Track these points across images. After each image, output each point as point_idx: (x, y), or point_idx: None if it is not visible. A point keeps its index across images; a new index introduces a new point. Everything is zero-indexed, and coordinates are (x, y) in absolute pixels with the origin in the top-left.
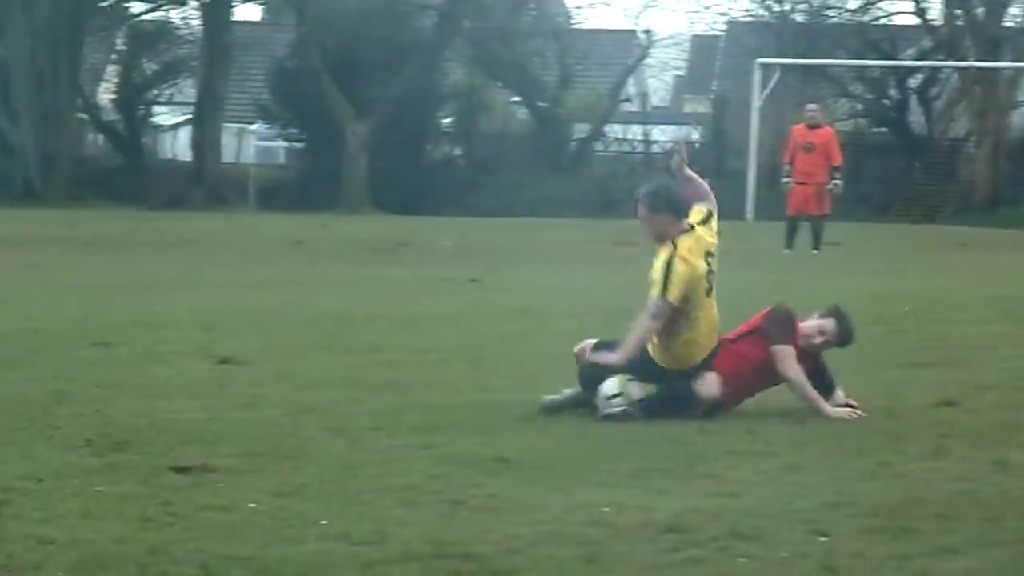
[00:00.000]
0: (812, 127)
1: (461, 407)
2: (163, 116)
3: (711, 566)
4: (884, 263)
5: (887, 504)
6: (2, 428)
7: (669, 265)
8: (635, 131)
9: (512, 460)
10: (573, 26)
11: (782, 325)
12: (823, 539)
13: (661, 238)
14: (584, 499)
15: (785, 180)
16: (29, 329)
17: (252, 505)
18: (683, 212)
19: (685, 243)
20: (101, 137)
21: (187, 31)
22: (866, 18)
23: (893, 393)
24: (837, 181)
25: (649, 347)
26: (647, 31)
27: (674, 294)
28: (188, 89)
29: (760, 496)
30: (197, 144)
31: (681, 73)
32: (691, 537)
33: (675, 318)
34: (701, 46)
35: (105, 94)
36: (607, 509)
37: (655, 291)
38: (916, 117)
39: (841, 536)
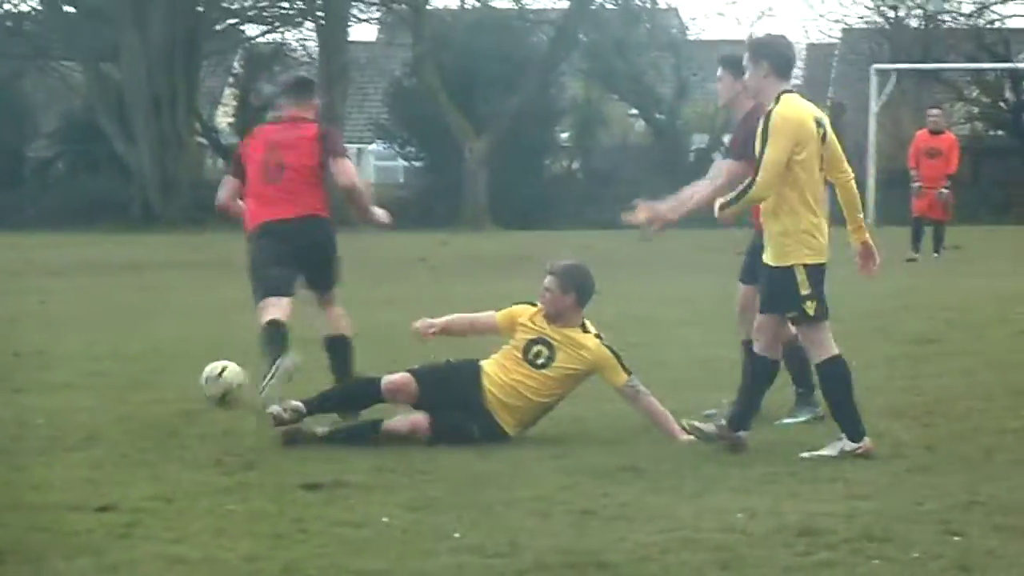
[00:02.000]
0: (935, 132)
1: (589, 417)
2: None
3: (844, 569)
4: (1006, 265)
5: (1019, 503)
6: (131, 449)
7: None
8: None
9: (642, 468)
10: (689, 38)
11: None
12: (956, 539)
13: (556, 318)
14: (715, 505)
15: (915, 185)
16: (156, 351)
17: (385, 520)
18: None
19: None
20: (220, 160)
21: (303, 52)
22: (981, 22)
23: (1021, 392)
24: (944, 190)
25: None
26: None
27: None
28: None
29: (890, 498)
30: None
31: (797, 81)
32: (823, 540)
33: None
34: (817, 54)
35: (223, 117)
36: (740, 515)
37: (622, 375)
38: None
39: (974, 535)
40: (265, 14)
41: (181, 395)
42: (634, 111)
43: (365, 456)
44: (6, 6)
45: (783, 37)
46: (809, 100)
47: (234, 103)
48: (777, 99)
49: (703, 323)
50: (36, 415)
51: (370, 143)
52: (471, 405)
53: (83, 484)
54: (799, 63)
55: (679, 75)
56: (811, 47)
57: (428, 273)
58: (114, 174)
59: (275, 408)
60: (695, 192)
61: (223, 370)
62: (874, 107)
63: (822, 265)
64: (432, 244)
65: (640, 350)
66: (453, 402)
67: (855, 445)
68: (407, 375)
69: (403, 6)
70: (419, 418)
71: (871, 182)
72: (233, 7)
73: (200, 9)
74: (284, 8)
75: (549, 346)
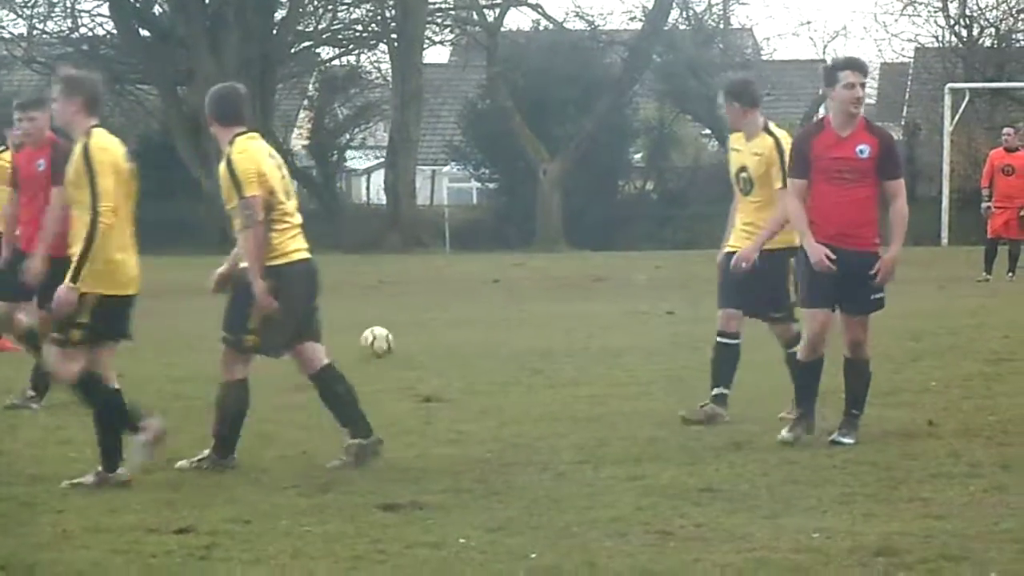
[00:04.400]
0: (1010, 150)
1: (664, 438)
2: (356, 160)
3: None
4: None
5: None
6: (208, 472)
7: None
8: None
9: (718, 489)
10: (762, 58)
11: None
12: None
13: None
14: (792, 525)
15: (985, 205)
16: None
17: (462, 541)
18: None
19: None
20: (296, 183)
21: (377, 75)
22: None
23: None
24: None
25: None
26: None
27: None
28: (380, 133)
29: (967, 517)
30: (391, 187)
31: (871, 101)
32: (901, 560)
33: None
34: (890, 73)
35: (298, 140)
36: (816, 535)
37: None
38: None
39: None
40: (340, 36)
41: (258, 417)
42: (707, 131)
43: (442, 477)
44: (82, 30)
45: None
46: (882, 120)
47: (308, 126)
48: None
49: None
50: None
51: (444, 165)
52: None
53: (162, 506)
54: (872, 82)
55: None
56: (884, 66)
57: (502, 294)
58: (190, 198)
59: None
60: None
61: (374, 339)
62: (948, 127)
63: None
64: (506, 265)
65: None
66: None
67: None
68: None
69: (477, 28)
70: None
71: (945, 202)
72: (308, 30)
73: (275, 32)
74: (358, 30)
75: None
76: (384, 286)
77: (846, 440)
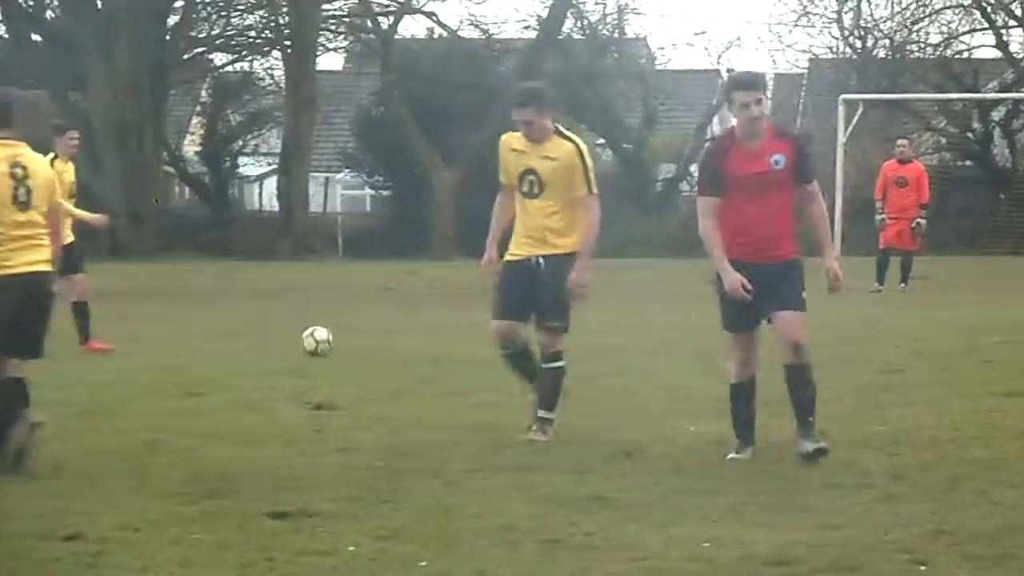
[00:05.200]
0: (903, 162)
1: (556, 447)
2: (249, 167)
3: None
4: (972, 295)
5: (986, 532)
6: (97, 479)
7: None
8: None
9: (608, 498)
10: (656, 67)
11: None
12: (923, 568)
13: None
14: (683, 535)
15: (879, 217)
16: (121, 380)
17: (352, 548)
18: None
19: None
20: (187, 190)
21: (271, 81)
22: (948, 52)
23: (987, 422)
24: (921, 220)
25: None
26: (730, 70)
27: None
28: (273, 139)
29: (859, 527)
30: (284, 194)
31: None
32: (792, 570)
33: None
34: (784, 84)
35: (191, 146)
36: (707, 544)
37: None
38: (1000, 150)
39: (941, 565)
40: (233, 43)
41: (147, 424)
42: (601, 141)
43: (332, 484)
44: None
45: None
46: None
47: (201, 132)
48: None
49: (670, 352)
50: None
51: (337, 172)
52: None
53: (50, 513)
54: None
55: (647, 105)
56: (779, 77)
57: (395, 302)
58: (82, 203)
59: None
60: None
61: (313, 331)
62: (842, 138)
63: None
64: (399, 273)
65: (609, 379)
66: None
67: None
68: None
69: (371, 35)
70: None
71: (838, 213)
72: (201, 36)
73: (168, 38)
74: (252, 37)
75: None
76: (277, 293)
77: (820, 445)
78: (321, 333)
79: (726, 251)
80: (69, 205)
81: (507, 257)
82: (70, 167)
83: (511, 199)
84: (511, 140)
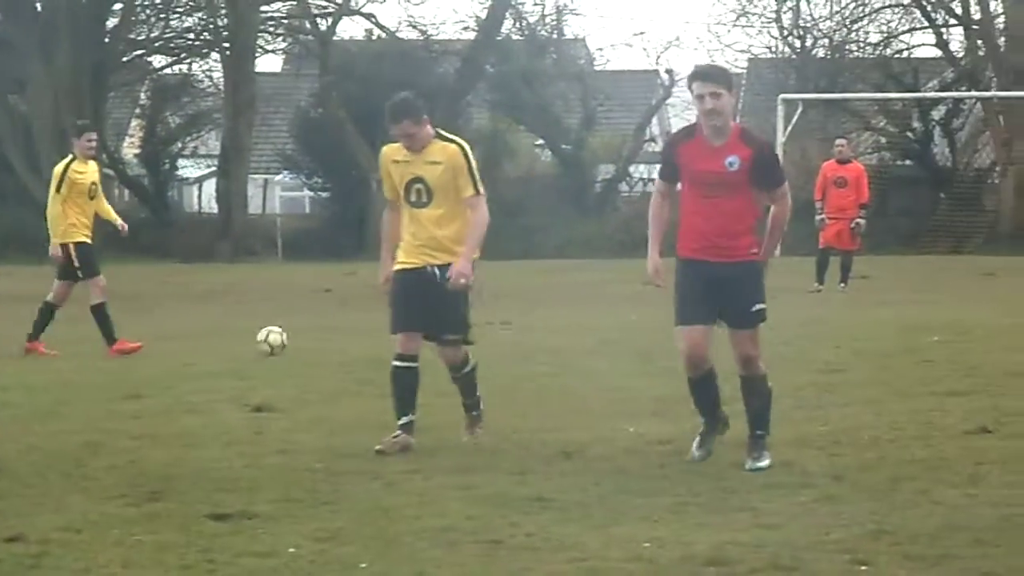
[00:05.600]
0: (842, 162)
1: (496, 448)
2: (188, 169)
3: None
4: (912, 294)
5: (926, 532)
6: (37, 480)
7: None
8: None
9: (549, 499)
10: (595, 68)
11: None
12: (864, 568)
13: None
14: (623, 535)
15: (819, 217)
16: (60, 382)
17: (292, 550)
18: None
19: None
20: (127, 192)
21: (210, 84)
22: (888, 52)
23: (928, 422)
24: (861, 220)
25: None
26: (669, 71)
27: None
28: (212, 142)
29: (799, 527)
30: (223, 196)
31: None
32: (732, 570)
33: None
34: None
35: (130, 148)
36: (647, 544)
37: None
38: (940, 149)
39: (881, 565)
40: (172, 45)
41: (87, 426)
42: (540, 142)
43: (272, 486)
44: None
45: None
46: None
47: (140, 134)
48: None
49: (610, 353)
50: None
51: (276, 174)
52: None
53: None
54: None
55: (586, 106)
56: None
57: (334, 303)
58: (21, 206)
59: None
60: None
61: (268, 334)
62: (781, 137)
63: None
64: (338, 274)
65: (549, 380)
66: None
67: None
68: None
69: (310, 37)
70: None
71: None
72: (140, 39)
73: (107, 40)
74: (190, 39)
75: None
76: (216, 295)
77: (760, 464)
78: (276, 337)
79: (683, 246)
80: (105, 204)
81: (398, 266)
82: (90, 167)
83: (398, 213)
84: (391, 152)
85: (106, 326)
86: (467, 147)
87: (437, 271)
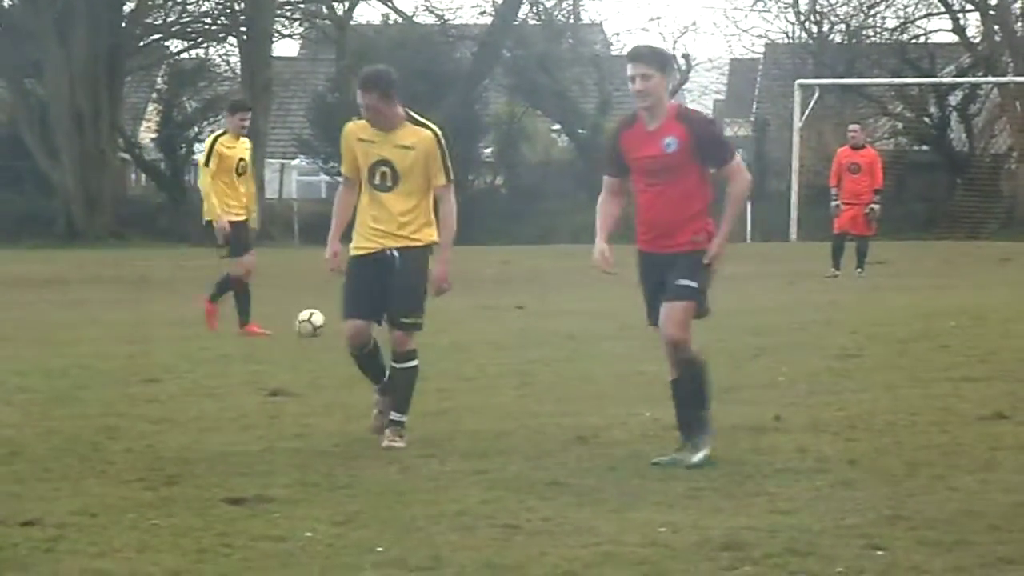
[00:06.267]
0: (856, 148)
1: (511, 432)
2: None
3: None
4: (929, 280)
5: (942, 517)
6: (54, 464)
7: None
8: None
9: (565, 483)
10: (612, 53)
11: None
12: (880, 553)
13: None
14: (639, 520)
15: (835, 203)
16: (78, 367)
17: (308, 534)
18: None
19: None
20: (143, 176)
21: (227, 68)
22: (904, 37)
23: (944, 407)
24: (875, 205)
25: None
26: (686, 56)
27: None
28: None
29: (814, 513)
30: None
31: (721, 97)
32: (747, 555)
33: None
34: (740, 69)
35: (147, 133)
36: (663, 529)
37: None
38: (957, 134)
39: (897, 550)
40: (189, 30)
41: (104, 410)
42: (557, 127)
43: (288, 470)
44: None
45: None
46: (732, 116)
47: (157, 119)
48: None
49: (627, 337)
50: None
51: (293, 159)
52: None
53: (7, 499)
54: (722, 78)
55: (602, 91)
56: (734, 62)
57: None
58: (38, 190)
59: None
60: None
61: (311, 315)
62: (798, 123)
63: None
64: None
65: (566, 365)
66: None
67: None
68: None
69: (327, 21)
70: None
71: (794, 198)
72: (156, 23)
73: (123, 25)
74: (207, 23)
75: None
76: None
77: (695, 459)
78: (319, 318)
79: (638, 238)
80: (252, 187)
81: (355, 251)
82: (240, 143)
83: (353, 193)
84: (356, 129)
85: (242, 303)
86: (441, 133)
87: (396, 254)
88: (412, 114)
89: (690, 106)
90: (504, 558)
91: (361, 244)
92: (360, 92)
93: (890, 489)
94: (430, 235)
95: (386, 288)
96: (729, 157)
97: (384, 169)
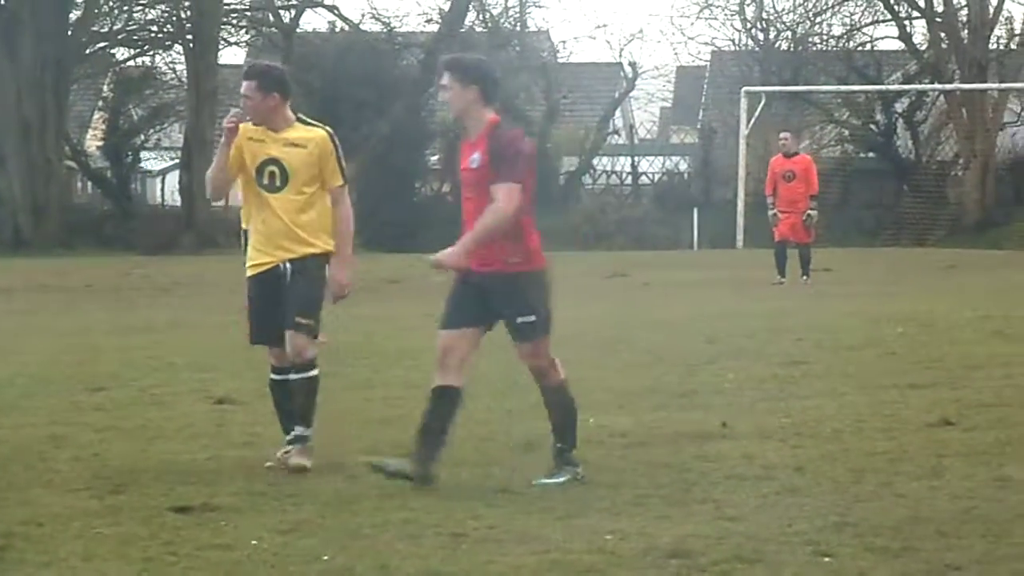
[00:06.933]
0: (788, 155)
1: (458, 440)
2: (151, 161)
3: None
4: (875, 287)
5: (889, 524)
6: (1, 474)
7: None
8: (623, 163)
9: (511, 491)
10: (559, 61)
11: None
12: (826, 560)
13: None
14: (585, 527)
15: (771, 212)
16: (24, 375)
17: (254, 543)
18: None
19: None
20: (90, 184)
21: (173, 76)
22: (851, 44)
23: (890, 414)
24: (812, 212)
25: None
26: (632, 63)
27: None
28: (175, 134)
29: (761, 519)
30: (185, 188)
31: (667, 104)
32: (694, 562)
33: None
34: (687, 77)
35: (93, 141)
36: (609, 536)
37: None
38: (903, 141)
39: (844, 557)
40: (135, 38)
41: (51, 419)
42: None
43: (235, 479)
44: None
45: None
46: (679, 123)
47: (103, 127)
48: None
49: (570, 345)
50: None
51: None
52: None
53: None
54: (668, 85)
55: (549, 98)
56: (681, 70)
57: None
58: None
59: None
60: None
61: None
62: (744, 130)
63: None
64: None
65: (514, 372)
66: None
67: None
68: None
69: (273, 29)
70: None
71: (740, 206)
72: (103, 31)
73: (70, 33)
74: (154, 31)
75: None
76: (178, 287)
77: (553, 480)
78: None
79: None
80: None
81: (251, 269)
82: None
83: (227, 182)
84: (246, 129)
85: None
86: (333, 133)
87: (288, 266)
88: (302, 117)
89: (636, 114)
90: (451, 566)
91: (256, 260)
92: (242, 80)
93: (837, 496)
94: (325, 242)
95: (283, 300)
96: (503, 178)
97: (272, 168)
